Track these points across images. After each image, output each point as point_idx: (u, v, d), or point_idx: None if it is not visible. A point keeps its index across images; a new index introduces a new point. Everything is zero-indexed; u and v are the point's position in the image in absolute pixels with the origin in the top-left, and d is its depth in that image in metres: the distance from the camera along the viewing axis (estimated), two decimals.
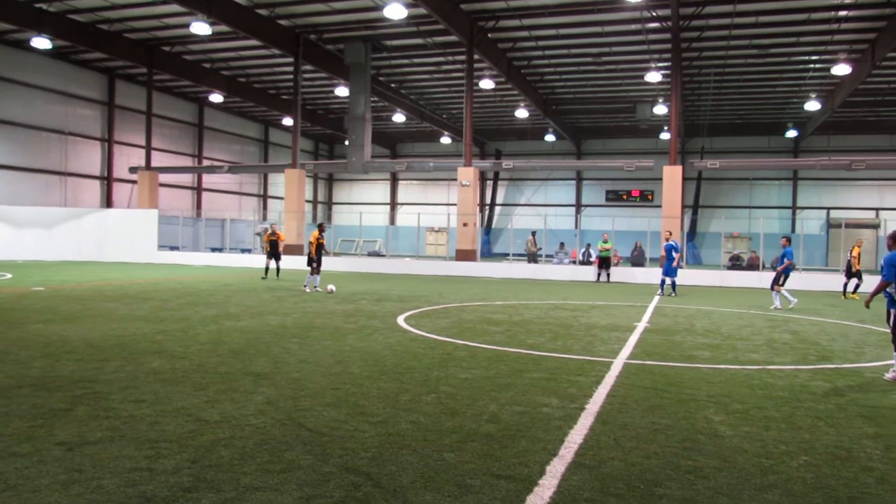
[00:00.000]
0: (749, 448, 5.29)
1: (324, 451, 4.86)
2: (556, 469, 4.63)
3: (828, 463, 4.99)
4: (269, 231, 23.74)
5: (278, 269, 23.94)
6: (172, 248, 37.06)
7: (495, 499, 4.08)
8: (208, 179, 45.15)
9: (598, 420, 5.93)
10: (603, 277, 27.64)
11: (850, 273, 21.91)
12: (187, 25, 28.11)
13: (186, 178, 44.08)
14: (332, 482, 4.27)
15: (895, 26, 26.30)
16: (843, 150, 41.78)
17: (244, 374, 7.45)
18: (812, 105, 37.19)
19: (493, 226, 51.94)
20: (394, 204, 55.88)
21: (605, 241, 27.57)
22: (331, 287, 18.60)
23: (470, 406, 6.27)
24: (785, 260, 17.21)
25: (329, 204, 58.70)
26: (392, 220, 53.81)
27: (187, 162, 43.51)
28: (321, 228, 19.51)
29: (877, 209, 43.77)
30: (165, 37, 32.32)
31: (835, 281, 26.80)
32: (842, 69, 29.99)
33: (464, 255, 31.43)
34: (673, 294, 20.74)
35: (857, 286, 22.05)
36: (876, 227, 41.12)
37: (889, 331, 8.44)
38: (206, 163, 43.94)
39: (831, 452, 5.24)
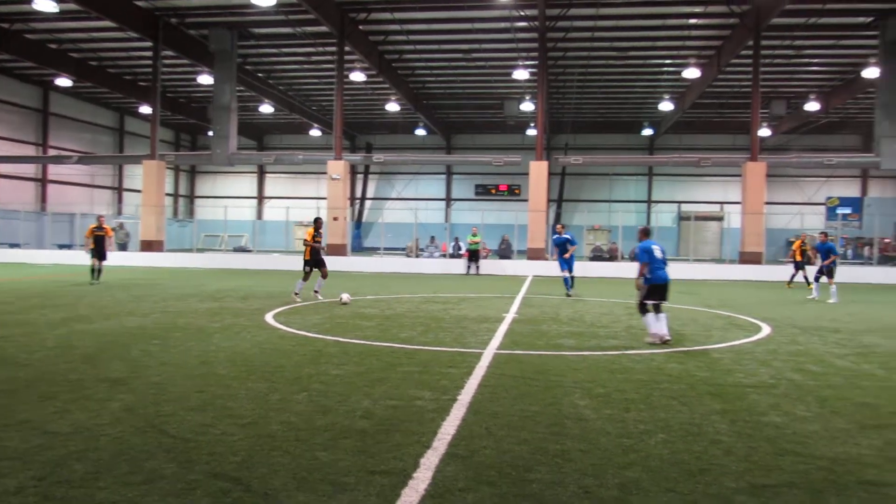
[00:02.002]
0: (611, 429, 5.55)
1: (189, 458, 4.64)
2: (430, 461, 4.66)
3: (682, 439, 5.32)
4: (95, 224, 19.87)
5: (100, 270, 19.70)
6: (13, 246, 34.26)
7: (370, 495, 4.06)
8: (55, 170, 41.92)
9: (470, 410, 6.02)
10: (472, 270, 28.18)
11: (798, 265, 23.34)
12: (29, 1, 25.91)
13: (29, 169, 40.77)
14: (198, 490, 4.09)
15: (738, 35, 28.41)
16: (692, 148, 44.61)
17: (98, 380, 6.98)
18: (665, 105, 39.53)
19: (364, 220, 51.65)
20: (261, 198, 54.33)
21: (475, 235, 28.12)
22: (345, 296, 15.20)
23: (342, 403, 6.20)
24: (831, 255, 18.70)
25: (191, 197, 56.23)
26: (259, 215, 52.27)
27: (30, 151, 40.25)
28: (317, 224, 15.94)
29: (721, 203, 47.13)
30: (3, 12, 29.60)
31: (685, 269, 28.69)
32: (692, 73, 32.10)
33: (334, 250, 31.07)
34: (569, 293, 18.05)
35: (793, 276, 23.70)
36: (720, 219, 44.36)
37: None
38: (52, 152, 40.76)
39: (685, 429, 5.59)
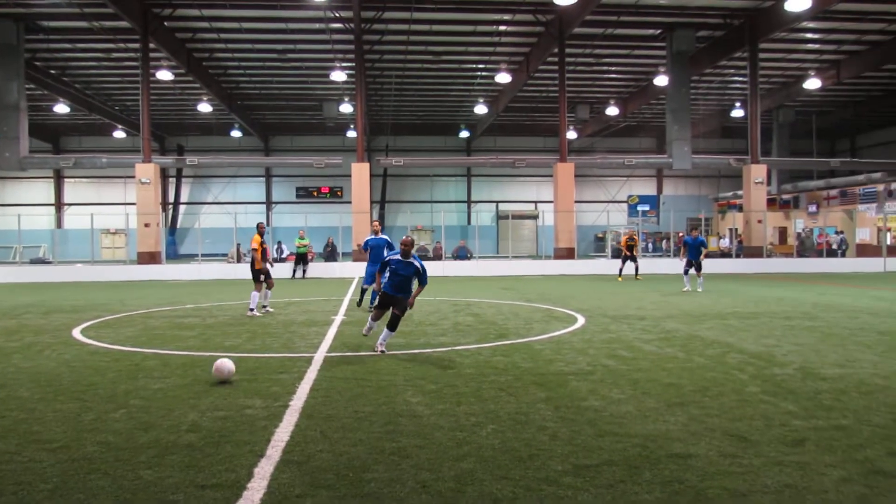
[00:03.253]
0: (445, 424, 5.66)
1: None
2: (264, 470, 4.51)
3: (511, 428, 5.54)
4: None
5: None
6: None
7: None
8: None
9: (303, 415, 5.90)
10: (299, 273, 27.66)
11: (624, 258, 24.72)
12: None
13: None
14: None
15: (544, 43, 30.10)
16: (507, 150, 46.67)
17: None
18: (480, 109, 41.04)
19: (179, 225, 49.01)
20: (60, 204, 49.86)
21: (302, 238, 27.59)
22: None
23: (166, 417, 5.84)
24: (703, 248, 19.41)
25: None
26: (59, 223, 47.99)
27: None
28: (260, 230, 14.57)
29: (536, 202, 49.77)
30: None
31: (505, 266, 30.00)
32: (503, 78, 33.60)
33: (147, 258, 29.24)
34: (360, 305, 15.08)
35: (636, 269, 25.00)
36: (535, 217, 46.84)
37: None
38: None
39: (513, 418, 5.83)
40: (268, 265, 14.52)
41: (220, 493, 4.09)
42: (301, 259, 27.73)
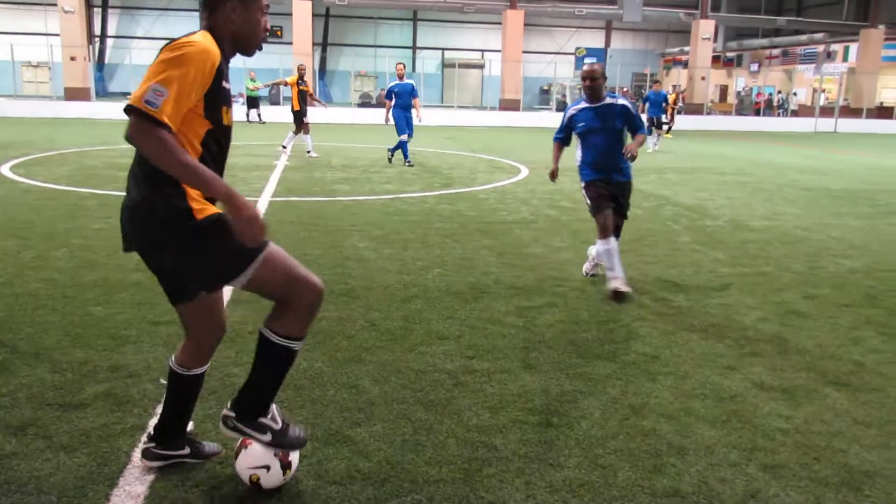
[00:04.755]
0: (392, 267, 5.82)
1: None
2: None
3: (456, 272, 5.73)
4: None
5: None
6: None
7: (156, 345, 3.95)
8: None
9: None
10: (253, 117, 26.39)
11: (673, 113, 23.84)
12: None
13: None
14: None
15: None
16: None
17: None
18: None
19: (107, 61, 46.25)
20: None
21: (253, 80, 25.96)
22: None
23: (111, 257, 5.81)
24: (664, 104, 18.18)
25: None
26: None
27: None
28: (301, 71, 14.27)
29: (482, 51, 48.48)
30: None
31: (450, 116, 29.63)
32: None
33: (75, 95, 27.78)
34: (407, 163, 13.28)
35: (670, 127, 24.02)
36: (481, 66, 45.79)
37: None
38: None
39: (458, 263, 6.02)
40: (309, 107, 14.38)
41: (173, 329, 4.17)
42: (252, 103, 26.36)
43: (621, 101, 5.40)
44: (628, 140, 5.47)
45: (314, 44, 34.05)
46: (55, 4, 28.01)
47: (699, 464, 2.85)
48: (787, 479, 2.76)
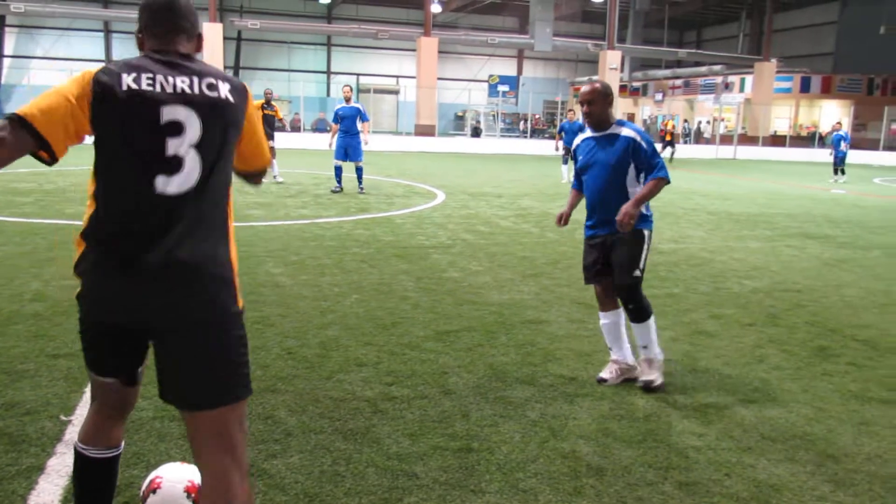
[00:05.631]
0: (308, 294, 5.71)
1: None
2: None
3: (374, 297, 5.67)
4: None
5: None
6: None
7: (55, 379, 3.73)
8: None
9: None
10: None
11: (665, 143, 24.54)
12: None
13: None
14: None
15: None
16: (370, 20, 44.97)
17: None
18: None
19: (4, 81, 44.08)
20: None
21: None
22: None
23: (5, 286, 5.48)
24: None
25: None
26: None
27: None
28: (267, 96, 14.47)
29: (397, 76, 48.79)
30: None
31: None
32: None
33: None
34: (360, 190, 12.94)
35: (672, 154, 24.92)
36: (397, 92, 46.07)
37: None
38: None
39: (376, 288, 5.97)
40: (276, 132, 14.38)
41: (75, 363, 3.95)
42: None
43: (627, 131, 3.98)
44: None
45: (225, 67, 33.44)
46: None
47: (617, 484, 2.89)
48: (700, 495, 2.83)
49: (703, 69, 40.14)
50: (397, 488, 2.79)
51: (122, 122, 1.86)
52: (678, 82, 43.20)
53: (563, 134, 17.15)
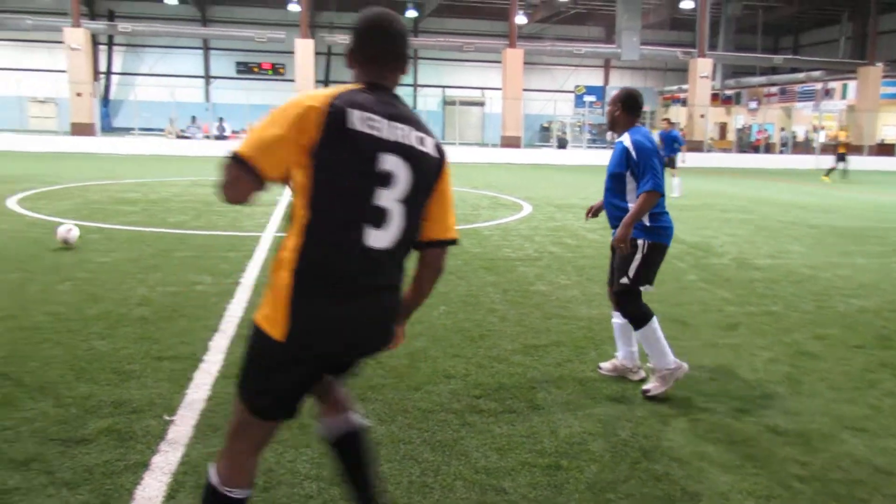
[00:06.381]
0: None
1: None
2: (219, 344, 4.56)
3: (462, 309, 5.68)
4: None
5: None
6: None
7: (160, 380, 3.90)
8: None
9: (255, 293, 5.92)
10: None
11: (838, 155, 23.30)
12: None
13: None
14: None
15: None
16: (455, 33, 45.38)
17: None
18: None
19: (112, 97, 46.70)
20: None
21: None
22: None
23: (114, 291, 5.78)
24: (675, 144, 16.00)
25: None
26: None
27: None
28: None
29: (482, 88, 48.98)
30: None
31: (451, 152, 29.67)
32: None
33: (80, 130, 28.00)
34: None
35: (832, 169, 23.39)
36: (482, 104, 46.23)
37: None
38: None
39: (463, 300, 5.98)
40: None
41: (177, 365, 4.13)
42: None
43: (625, 139, 3.97)
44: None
45: (316, 81, 34.38)
46: (61, 42, 28.36)
47: None
48: None
49: (801, 75, 38.52)
50: (485, 503, 2.78)
51: (341, 162, 1.87)
52: (774, 90, 41.60)
53: (662, 143, 16.02)
